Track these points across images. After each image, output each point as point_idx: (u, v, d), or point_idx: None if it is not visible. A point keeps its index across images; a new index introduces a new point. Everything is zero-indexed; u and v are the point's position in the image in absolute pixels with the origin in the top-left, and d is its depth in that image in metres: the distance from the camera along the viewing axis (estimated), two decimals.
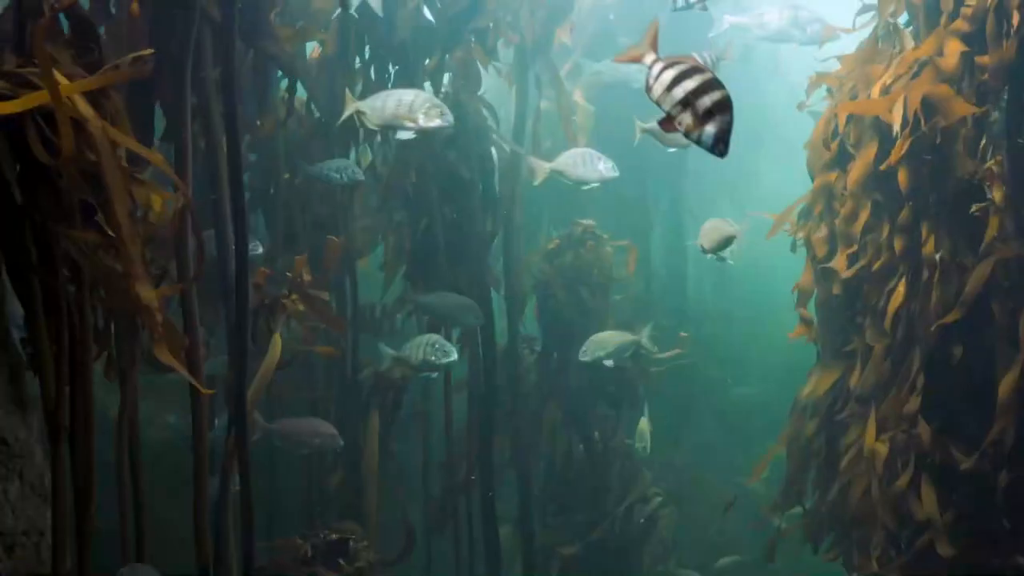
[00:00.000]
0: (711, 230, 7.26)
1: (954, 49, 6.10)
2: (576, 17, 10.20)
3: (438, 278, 8.58)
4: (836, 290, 7.05)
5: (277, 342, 6.63)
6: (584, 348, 8.36)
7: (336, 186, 7.63)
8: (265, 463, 7.76)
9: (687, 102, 3.02)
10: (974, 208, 6.14)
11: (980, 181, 6.13)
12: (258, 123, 7.27)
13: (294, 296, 6.78)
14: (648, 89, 3.11)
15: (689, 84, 3.03)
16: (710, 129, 3.04)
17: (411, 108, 6.42)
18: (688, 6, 6.51)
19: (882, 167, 6.39)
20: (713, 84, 3.02)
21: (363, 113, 6.74)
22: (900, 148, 6.17)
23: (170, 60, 5.52)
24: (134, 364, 4.94)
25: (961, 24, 6.13)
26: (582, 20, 11.32)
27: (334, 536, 6.95)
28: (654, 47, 3.14)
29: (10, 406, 3.99)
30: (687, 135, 3.08)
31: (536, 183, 7.46)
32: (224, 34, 5.78)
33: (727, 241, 7.18)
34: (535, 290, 9.42)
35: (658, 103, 3.09)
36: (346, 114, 6.95)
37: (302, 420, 7.78)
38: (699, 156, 11.81)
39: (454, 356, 7.67)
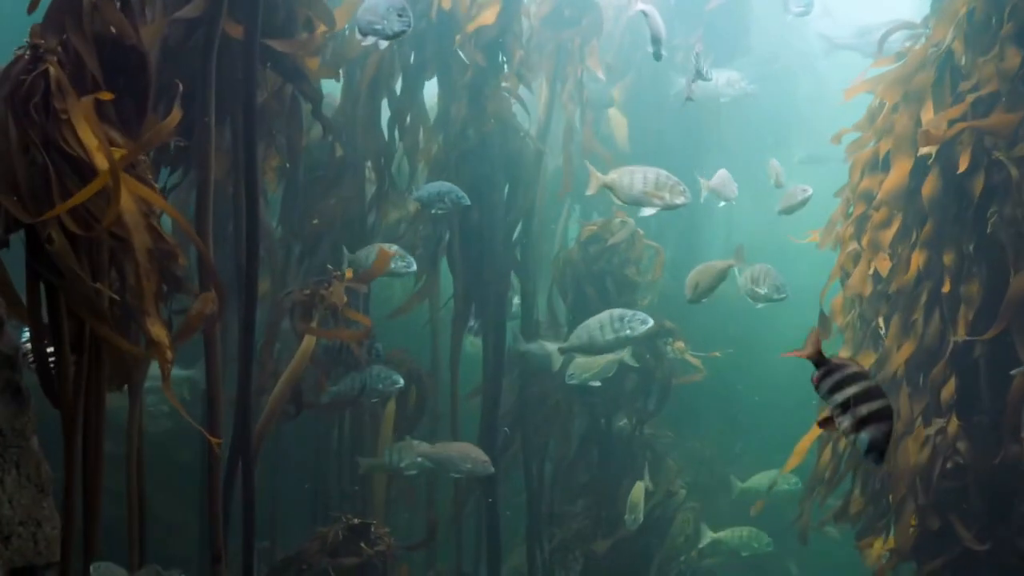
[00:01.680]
0: (697, 275, 7.60)
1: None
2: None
3: (463, 274, 8.62)
4: (868, 288, 7.07)
5: (311, 337, 6.68)
6: (570, 371, 8.26)
7: (440, 212, 7.72)
8: (270, 461, 7.79)
9: (847, 406, 3.22)
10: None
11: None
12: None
13: (334, 287, 6.82)
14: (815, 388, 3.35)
15: (851, 390, 3.24)
16: (864, 436, 3.22)
17: (656, 186, 6.62)
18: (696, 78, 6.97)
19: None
20: (874, 392, 3.22)
21: (610, 187, 6.85)
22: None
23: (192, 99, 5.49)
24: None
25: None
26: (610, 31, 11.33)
27: (356, 520, 6.93)
28: (818, 348, 3.35)
29: (5, 395, 3.96)
30: (844, 436, 3.34)
31: (589, 192, 7.27)
32: (247, 72, 5.77)
33: (715, 281, 7.46)
34: (561, 279, 9.35)
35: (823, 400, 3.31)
36: (593, 189, 7.02)
37: (454, 444, 7.95)
38: (720, 157, 11.81)
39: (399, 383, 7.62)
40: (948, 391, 6.44)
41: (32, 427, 4.09)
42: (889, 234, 6.88)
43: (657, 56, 6.64)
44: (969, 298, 6.35)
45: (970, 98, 6.29)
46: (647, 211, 6.67)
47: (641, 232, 9.40)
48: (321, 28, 6.23)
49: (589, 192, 7.08)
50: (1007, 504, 6.33)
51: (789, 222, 8.14)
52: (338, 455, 8.42)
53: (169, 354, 4.35)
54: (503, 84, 8.49)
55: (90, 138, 4.02)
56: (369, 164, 8.29)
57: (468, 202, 7.52)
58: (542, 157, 9.07)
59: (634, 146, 11.61)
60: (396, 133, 8.36)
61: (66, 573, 4.20)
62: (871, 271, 7.03)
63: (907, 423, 6.67)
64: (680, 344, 9.59)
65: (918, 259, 6.64)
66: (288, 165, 7.27)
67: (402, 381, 7.57)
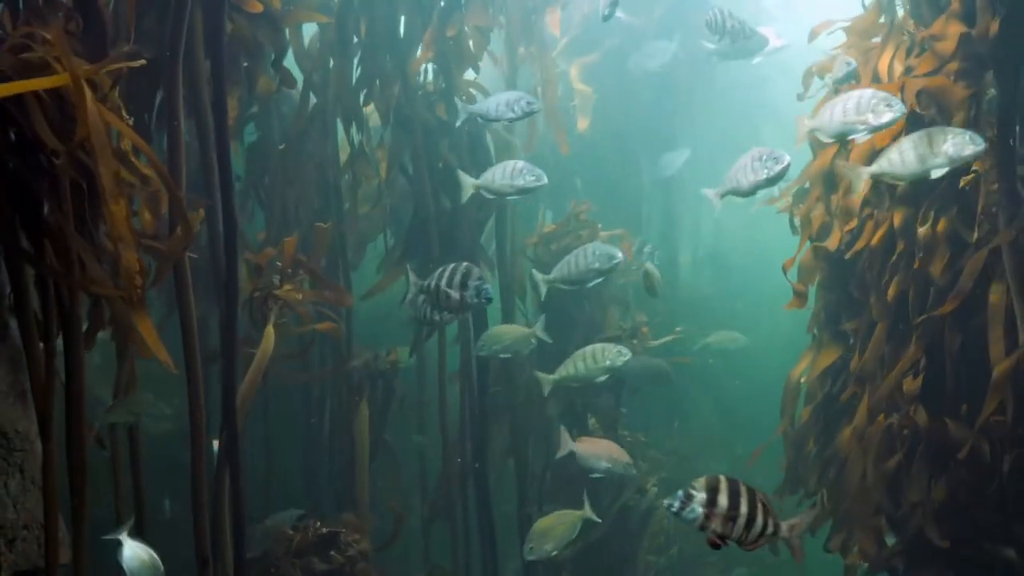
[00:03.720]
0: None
1: (953, 31, 6.09)
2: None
3: (432, 264, 8.58)
4: (831, 270, 7.08)
5: (270, 333, 6.63)
6: (480, 342, 8.25)
7: (510, 122, 7.41)
8: (260, 454, 7.75)
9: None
10: (963, 182, 6.17)
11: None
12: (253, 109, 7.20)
13: (287, 286, 6.78)
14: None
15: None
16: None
17: (859, 110, 5.99)
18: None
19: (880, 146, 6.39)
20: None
21: (816, 130, 6.25)
22: (896, 130, 6.18)
23: (161, 46, 5.50)
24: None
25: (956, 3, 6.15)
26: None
27: (324, 530, 6.98)
28: None
29: (10, 398, 3.96)
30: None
31: (464, 200, 7.43)
32: (214, 16, 5.77)
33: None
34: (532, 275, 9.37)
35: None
36: (801, 138, 6.73)
37: (600, 442, 8.05)
38: (693, 142, 11.79)
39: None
40: (913, 383, 6.46)
41: (36, 430, 4.02)
42: (856, 199, 6.79)
43: (606, 18, 7.05)
44: (937, 278, 6.33)
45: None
46: (858, 138, 6.05)
47: (599, 226, 9.45)
48: None
49: (797, 145, 6.86)
50: (976, 495, 6.41)
51: (771, 223, 8.14)
52: (328, 450, 8.38)
53: (139, 280, 4.28)
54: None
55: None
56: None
57: (539, 107, 7.31)
58: (508, 144, 9.03)
59: (598, 125, 11.57)
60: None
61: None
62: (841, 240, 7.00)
63: (868, 416, 6.70)
64: (645, 330, 9.66)
65: (886, 226, 6.61)
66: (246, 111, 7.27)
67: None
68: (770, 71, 12.47)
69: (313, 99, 8.30)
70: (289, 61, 7.30)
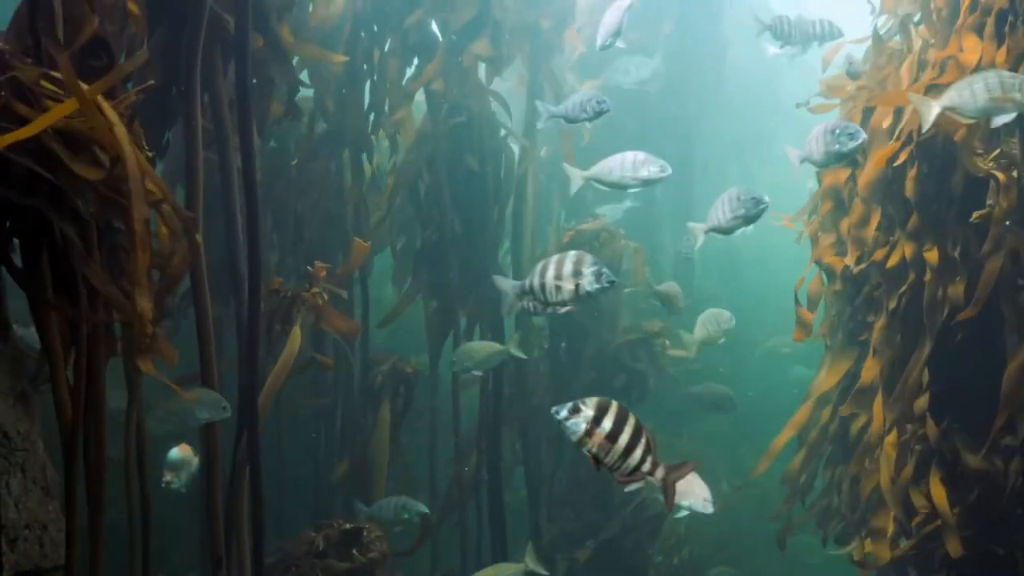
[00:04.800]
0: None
1: (972, 45, 6.07)
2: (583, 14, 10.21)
3: (448, 272, 8.64)
4: (842, 286, 7.10)
5: (296, 335, 6.67)
6: (454, 357, 8.27)
7: (583, 122, 7.15)
8: (274, 457, 7.81)
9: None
10: (975, 216, 6.16)
11: (987, 176, 6.11)
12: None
13: (314, 290, 6.83)
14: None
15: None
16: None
17: (1003, 88, 5.53)
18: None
19: (895, 163, 6.43)
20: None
21: (953, 110, 5.74)
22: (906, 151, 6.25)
23: (176, 74, 5.56)
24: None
25: (975, 18, 6.13)
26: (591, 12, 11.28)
27: (347, 525, 6.94)
28: None
29: (11, 399, 4.00)
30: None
31: (572, 192, 7.07)
32: (239, 50, 5.82)
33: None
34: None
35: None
36: (929, 121, 5.97)
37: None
38: (707, 152, 11.77)
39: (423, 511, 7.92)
40: (924, 398, 6.44)
41: (38, 431, 4.08)
42: (869, 231, 6.87)
43: (603, 48, 7.13)
44: (952, 296, 6.34)
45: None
46: (1001, 119, 5.62)
47: (622, 232, 9.40)
48: None
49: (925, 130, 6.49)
50: (989, 508, 6.37)
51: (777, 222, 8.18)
52: (339, 454, 8.44)
53: (150, 328, 4.33)
54: (480, 73, 8.57)
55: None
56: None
57: (609, 107, 6.87)
58: (526, 154, 9.06)
59: (610, 129, 11.54)
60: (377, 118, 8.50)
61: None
62: (848, 264, 7.03)
63: (881, 427, 6.71)
64: (666, 341, 9.67)
65: (899, 253, 6.61)
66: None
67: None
68: (782, 69, 12.47)
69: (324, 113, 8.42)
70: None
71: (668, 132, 12.05)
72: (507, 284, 5.88)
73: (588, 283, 5.33)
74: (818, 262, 7.36)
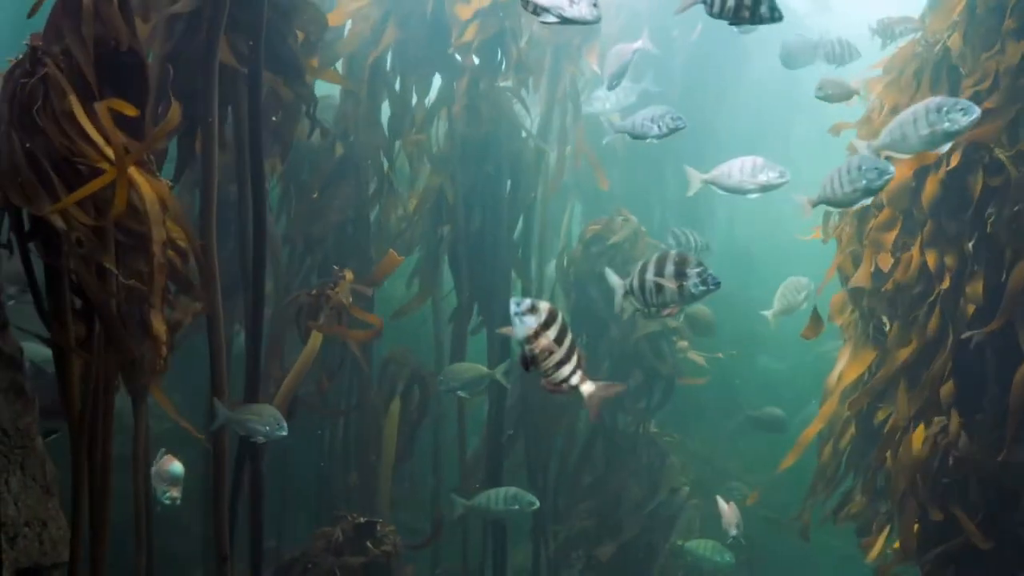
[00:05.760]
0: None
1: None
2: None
3: (466, 272, 8.68)
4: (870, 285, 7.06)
5: (317, 337, 6.70)
6: (441, 376, 8.19)
7: (653, 139, 6.86)
8: (279, 459, 7.83)
9: None
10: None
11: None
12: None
13: (339, 288, 6.85)
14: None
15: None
16: None
17: None
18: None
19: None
20: None
21: None
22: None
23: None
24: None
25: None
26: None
27: (362, 519, 6.92)
28: None
29: (10, 395, 3.99)
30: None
31: (690, 193, 6.86)
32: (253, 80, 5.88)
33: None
34: (564, 277, 9.29)
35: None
36: None
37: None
38: (718, 147, 11.72)
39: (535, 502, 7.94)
40: (948, 389, 6.42)
41: (36, 428, 4.10)
42: (892, 235, 6.84)
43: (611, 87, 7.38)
44: (971, 296, 6.31)
45: (969, 93, 6.24)
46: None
47: (644, 230, 9.38)
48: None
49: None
50: (1011, 499, 6.32)
51: (791, 220, 8.14)
52: (344, 454, 8.45)
53: (165, 349, 4.40)
54: (502, 83, 8.52)
55: (95, 133, 4.08)
56: (369, 162, 8.35)
57: (685, 124, 6.64)
58: (543, 156, 9.08)
59: (632, 147, 11.55)
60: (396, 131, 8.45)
61: (74, 573, 4.21)
62: (872, 268, 6.97)
63: (907, 420, 6.65)
64: (684, 343, 9.60)
65: (920, 258, 6.61)
66: (284, 165, 7.26)
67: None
68: (799, 72, 12.37)
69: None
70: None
71: (684, 132, 11.97)
72: (615, 280, 5.62)
73: (693, 285, 5.13)
74: (841, 267, 7.34)
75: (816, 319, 7.03)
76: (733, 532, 8.29)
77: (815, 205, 6.04)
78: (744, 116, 12.75)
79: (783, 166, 6.19)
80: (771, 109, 12.96)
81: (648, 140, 6.67)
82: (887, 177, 5.60)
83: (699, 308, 9.30)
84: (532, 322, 3.57)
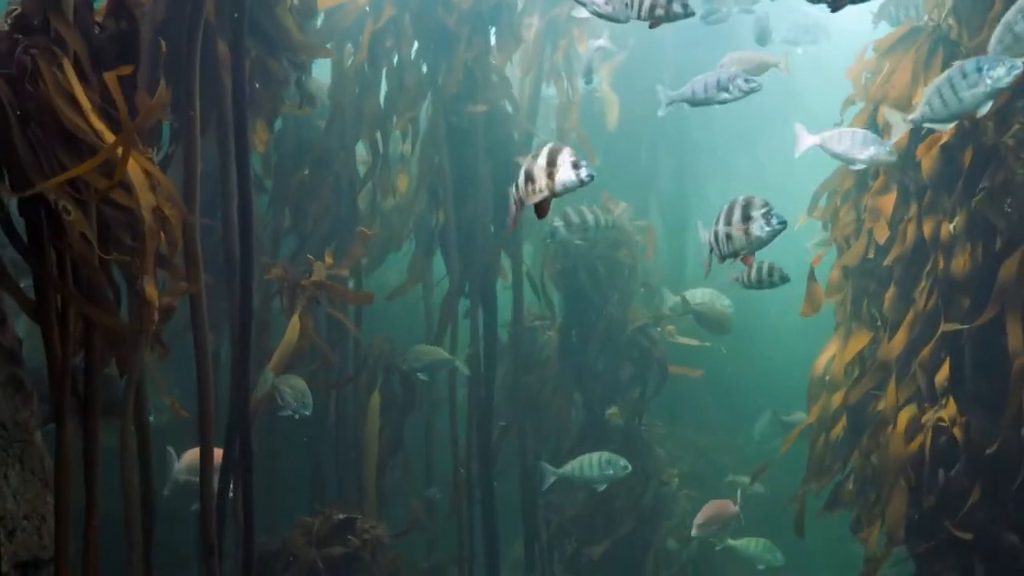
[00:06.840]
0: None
1: None
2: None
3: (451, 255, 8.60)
4: (861, 255, 7.03)
5: (296, 323, 6.61)
6: (404, 355, 8.26)
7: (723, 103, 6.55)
8: (267, 448, 7.73)
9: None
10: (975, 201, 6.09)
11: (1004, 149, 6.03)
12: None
13: (314, 278, 6.81)
14: None
15: None
16: None
17: None
18: None
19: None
20: None
21: None
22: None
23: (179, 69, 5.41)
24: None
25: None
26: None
27: (341, 516, 6.93)
28: None
29: (8, 389, 3.93)
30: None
31: (797, 155, 6.57)
32: (236, 47, 5.76)
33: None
34: (552, 264, 9.25)
35: None
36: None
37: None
38: (705, 134, 11.68)
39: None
40: (942, 375, 6.39)
41: (35, 422, 4.02)
42: (888, 201, 6.77)
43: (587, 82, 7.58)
44: (962, 278, 6.27)
45: None
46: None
47: (641, 223, 9.36)
48: None
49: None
50: (1001, 488, 6.32)
51: (786, 207, 8.11)
52: (334, 446, 8.36)
53: (156, 315, 4.32)
54: (492, 61, 8.46)
55: (90, 109, 4.01)
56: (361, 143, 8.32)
57: (760, 86, 6.33)
58: (531, 139, 8.98)
59: (623, 126, 11.49)
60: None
61: (60, 565, 4.09)
62: (869, 243, 6.94)
63: (895, 407, 6.62)
64: (671, 328, 9.57)
65: (916, 230, 6.57)
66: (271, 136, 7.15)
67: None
68: (797, 62, 12.36)
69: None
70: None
71: (675, 115, 11.94)
72: (703, 234, 5.38)
73: (759, 227, 4.92)
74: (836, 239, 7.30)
75: (813, 293, 6.96)
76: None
77: (918, 124, 5.78)
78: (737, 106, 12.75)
79: (891, 146, 6.17)
80: (765, 91, 12.95)
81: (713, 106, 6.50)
82: (1017, 72, 5.24)
83: (716, 306, 9.22)
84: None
